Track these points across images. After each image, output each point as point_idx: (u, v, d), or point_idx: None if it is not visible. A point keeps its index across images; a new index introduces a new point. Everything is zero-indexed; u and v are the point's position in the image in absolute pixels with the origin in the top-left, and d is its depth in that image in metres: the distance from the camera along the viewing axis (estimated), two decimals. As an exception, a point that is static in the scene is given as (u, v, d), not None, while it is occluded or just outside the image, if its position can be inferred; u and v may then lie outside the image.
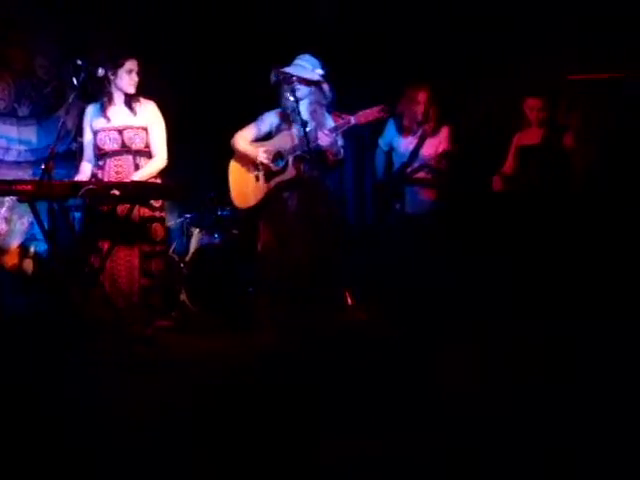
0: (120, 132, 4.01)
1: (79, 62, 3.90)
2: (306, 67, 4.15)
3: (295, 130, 4.14)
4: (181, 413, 2.56)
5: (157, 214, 4.05)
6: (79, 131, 4.46)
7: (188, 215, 5.37)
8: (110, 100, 4.01)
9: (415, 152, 4.69)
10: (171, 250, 5.10)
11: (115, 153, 4.01)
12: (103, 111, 4.03)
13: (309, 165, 4.12)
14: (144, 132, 4.04)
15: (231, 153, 4.40)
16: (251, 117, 4.40)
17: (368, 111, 4.01)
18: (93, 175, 4.07)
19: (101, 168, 4.04)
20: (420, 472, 2.05)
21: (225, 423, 2.40)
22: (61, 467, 2.08)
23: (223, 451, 2.18)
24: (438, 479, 2.02)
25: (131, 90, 4.01)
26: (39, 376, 3.08)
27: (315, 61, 4.19)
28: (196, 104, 5.52)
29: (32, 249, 4.86)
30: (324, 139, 4.00)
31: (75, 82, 3.92)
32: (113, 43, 4.94)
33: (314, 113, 4.13)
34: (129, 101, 4.02)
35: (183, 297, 4.90)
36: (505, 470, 2.02)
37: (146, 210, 3.95)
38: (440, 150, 4.63)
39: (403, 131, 4.76)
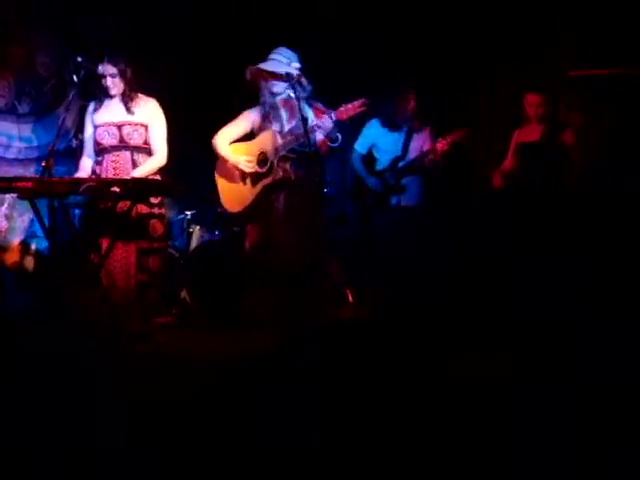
0: (119, 127, 4.01)
1: (79, 59, 3.91)
2: (282, 61, 4.03)
3: (278, 128, 4.06)
4: (180, 411, 2.57)
5: (155, 211, 4.04)
6: (79, 128, 4.47)
7: (189, 212, 5.38)
8: (109, 96, 4.02)
9: (405, 146, 4.73)
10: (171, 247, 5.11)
11: (113, 148, 4.01)
12: (101, 105, 4.04)
13: (295, 164, 4.05)
14: (143, 128, 4.04)
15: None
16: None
17: (349, 106, 3.90)
18: (92, 171, 4.08)
19: (99, 164, 4.05)
20: (418, 471, 2.05)
21: (225, 422, 2.40)
22: (61, 467, 2.09)
23: (223, 450, 2.19)
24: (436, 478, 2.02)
25: (111, 93, 3.99)
26: (39, 375, 3.08)
27: (291, 54, 4.07)
28: (196, 102, 5.51)
29: (33, 246, 4.87)
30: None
31: (75, 79, 3.93)
32: (113, 42, 4.94)
33: (292, 108, 4.04)
34: (125, 99, 4.02)
35: (183, 294, 4.91)
36: (505, 470, 2.03)
37: (144, 207, 3.94)
38: (425, 149, 4.67)
39: (391, 128, 4.77)
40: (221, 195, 4.27)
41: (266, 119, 4.13)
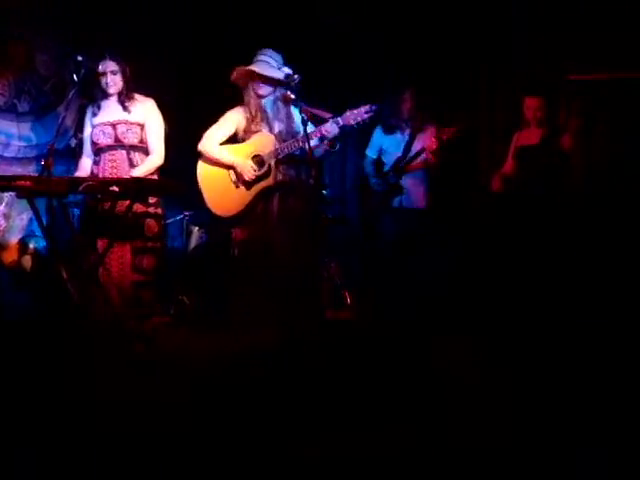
0: (114, 126, 4.02)
1: (79, 58, 3.90)
2: (271, 63, 3.99)
3: (267, 131, 4.03)
4: (180, 410, 2.57)
5: (151, 210, 4.04)
6: (79, 127, 4.46)
7: (187, 213, 5.37)
8: (107, 97, 4.03)
9: (407, 147, 4.75)
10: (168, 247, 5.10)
11: (109, 148, 4.01)
12: (99, 106, 4.05)
13: (293, 167, 4.02)
14: (138, 127, 4.04)
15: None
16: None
17: (355, 111, 3.83)
18: (91, 171, 4.08)
19: (97, 163, 4.05)
20: (416, 469, 2.05)
21: (224, 421, 2.40)
22: (61, 467, 2.09)
23: (222, 449, 2.19)
24: (433, 477, 2.02)
25: (110, 91, 4.00)
26: (38, 374, 3.08)
27: (279, 57, 4.02)
28: (195, 102, 5.51)
29: (31, 245, 4.87)
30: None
31: (75, 78, 3.93)
32: (113, 41, 4.94)
33: (278, 111, 4.03)
34: (122, 99, 4.02)
35: (181, 294, 4.91)
36: (504, 469, 2.03)
37: (139, 206, 3.93)
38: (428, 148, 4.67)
39: (390, 131, 4.81)
40: (209, 200, 4.12)
41: (253, 121, 4.06)
